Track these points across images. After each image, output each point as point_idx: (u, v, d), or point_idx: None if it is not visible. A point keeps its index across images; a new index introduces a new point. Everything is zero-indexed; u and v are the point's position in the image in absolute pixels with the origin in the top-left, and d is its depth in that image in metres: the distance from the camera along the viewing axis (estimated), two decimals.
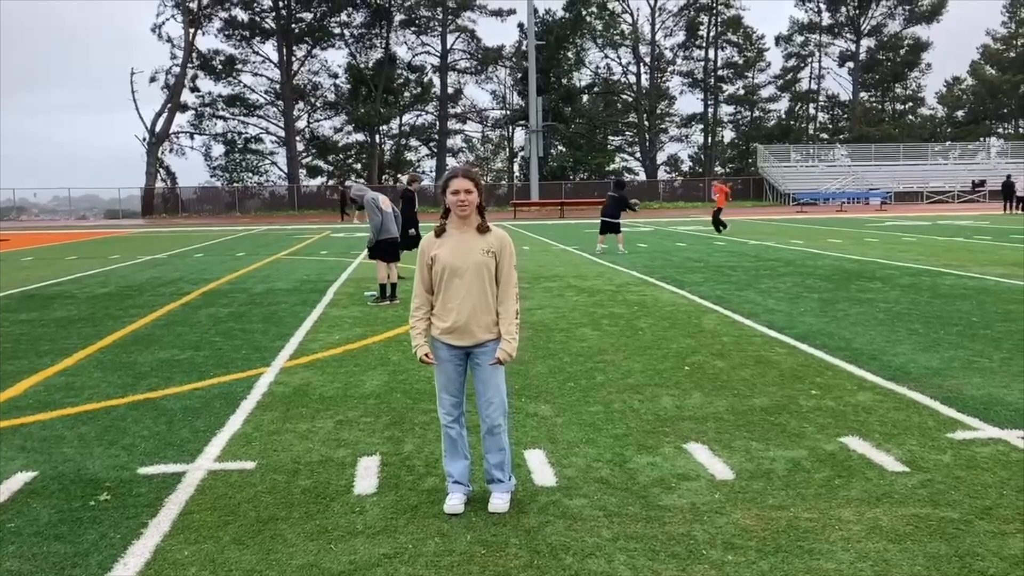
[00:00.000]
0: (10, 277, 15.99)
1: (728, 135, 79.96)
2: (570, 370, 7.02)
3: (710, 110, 76.38)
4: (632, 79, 75.92)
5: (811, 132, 78.81)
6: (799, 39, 77.72)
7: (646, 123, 74.60)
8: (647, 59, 74.72)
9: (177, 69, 64.66)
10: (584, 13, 72.03)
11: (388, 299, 11.38)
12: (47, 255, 22.16)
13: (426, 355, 4.07)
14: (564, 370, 7.03)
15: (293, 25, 66.28)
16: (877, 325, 8.98)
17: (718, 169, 75.85)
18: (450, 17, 69.70)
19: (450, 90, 72.39)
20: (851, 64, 77.85)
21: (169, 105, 64.30)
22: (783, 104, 79.19)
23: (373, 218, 11.37)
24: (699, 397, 6.09)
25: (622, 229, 19.74)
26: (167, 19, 65.77)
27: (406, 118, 72.86)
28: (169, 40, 65.17)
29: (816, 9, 77.18)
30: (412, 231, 13.03)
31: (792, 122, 78.12)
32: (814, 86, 79.37)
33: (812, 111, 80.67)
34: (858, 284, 12.56)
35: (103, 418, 5.79)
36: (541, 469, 4.62)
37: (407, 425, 5.50)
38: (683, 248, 20.33)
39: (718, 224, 25.31)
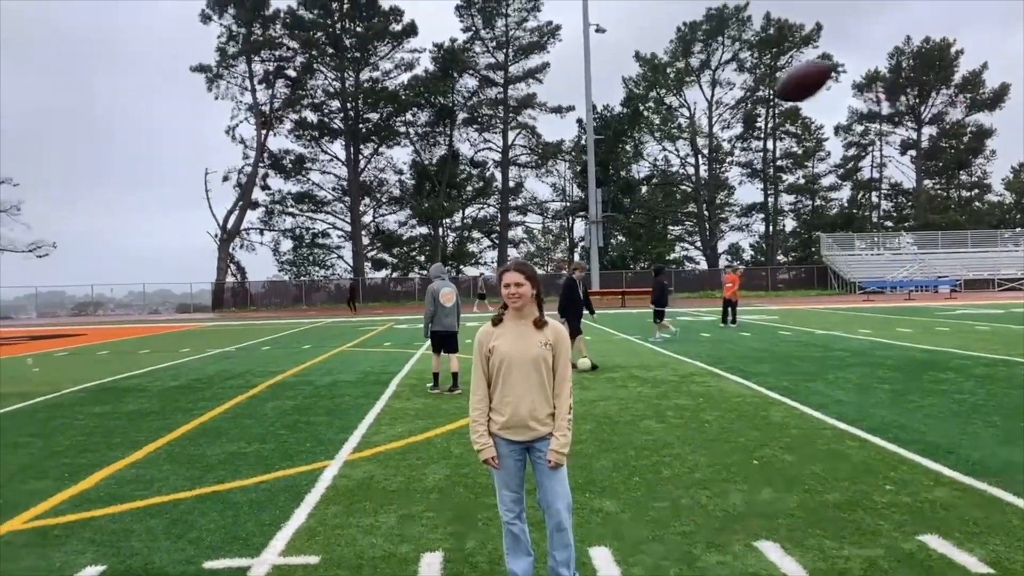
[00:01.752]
0: (87, 371, 16.49)
1: (790, 224, 79.63)
2: (635, 464, 6.91)
3: (770, 199, 76.27)
4: (691, 170, 76.58)
5: (875, 220, 78.00)
6: (859, 128, 77.81)
7: (706, 213, 74.75)
8: (705, 151, 75.42)
9: (249, 168, 67.32)
10: (642, 108, 73.42)
11: (448, 388, 11.51)
12: (122, 348, 22.84)
13: (492, 458, 4.02)
14: (629, 464, 6.91)
15: (360, 125, 68.74)
16: (952, 417, 8.68)
17: (781, 258, 75.29)
18: (511, 115, 71.63)
19: (511, 183, 73.85)
20: (913, 152, 77.43)
21: (241, 203, 66.71)
22: (845, 193, 78.86)
23: (427, 309, 11.70)
24: (769, 492, 5.92)
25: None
26: (240, 121, 68.74)
27: (468, 211, 74.44)
28: (242, 141, 68.13)
29: (875, 99, 77.34)
30: (562, 321, 13.34)
31: (855, 210, 77.45)
32: (876, 174, 78.98)
33: (875, 199, 79.98)
34: (930, 375, 12.19)
35: (171, 511, 5.86)
36: (607, 567, 4.52)
37: (470, 520, 5.44)
38: (747, 338, 20.05)
39: (727, 316, 24.44)
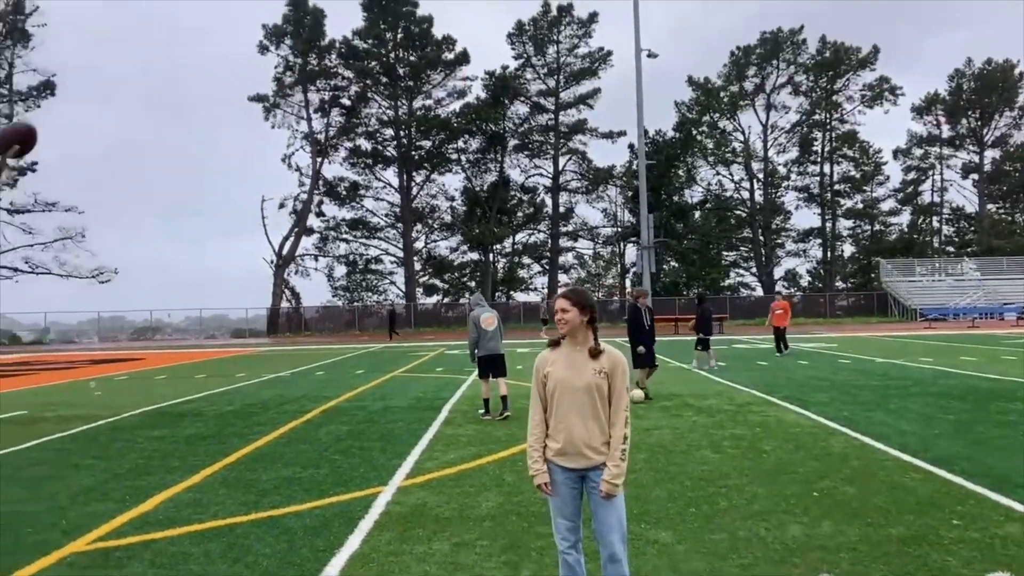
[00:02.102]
0: (146, 394, 16.83)
1: (848, 249, 78.27)
2: (691, 495, 6.79)
3: (828, 224, 75.12)
4: (745, 194, 75.79)
5: (936, 245, 76.28)
6: (918, 152, 76.39)
7: (761, 238, 73.86)
8: (760, 175, 74.64)
9: (304, 195, 68.48)
10: (695, 133, 73.01)
11: (499, 413, 11.53)
12: (179, 373, 23.28)
13: (545, 484, 3.98)
14: (684, 495, 6.80)
15: (413, 152, 69.57)
16: (1022, 450, 8.38)
17: (839, 284, 74.02)
18: (562, 141, 71.89)
19: (562, 209, 73.96)
20: (975, 176, 75.67)
21: (296, 229, 67.79)
22: (904, 218, 77.33)
23: (470, 335, 11.98)
24: (829, 525, 5.77)
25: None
26: (296, 150, 70.03)
27: (519, 237, 74.68)
28: (298, 169, 69.36)
29: (935, 122, 75.91)
30: (641, 348, 13.41)
31: (915, 236, 75.83)
32: (937, 199, 77.35)
33: (936, 224, 78.27)
34: (997, 405, 11.81)
35: (228, 535, 5.91)
36: None
37: (523, 549, 5.39)
38: (805, 366, 19.68)
39: (780, 345, 23.71)
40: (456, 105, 70.18)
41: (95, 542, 5.87)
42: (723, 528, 5.78)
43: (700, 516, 6.11)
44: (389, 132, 70.16)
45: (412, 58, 69.04)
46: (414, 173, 70.82)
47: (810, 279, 76.29)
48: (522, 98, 71.31)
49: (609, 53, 70.78)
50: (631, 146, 70.80)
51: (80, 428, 11.90)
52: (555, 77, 71.34)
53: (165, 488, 7.57)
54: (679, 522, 5.97)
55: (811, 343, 29.99)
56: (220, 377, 21.00)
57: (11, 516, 6.67)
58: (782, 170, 75.66)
